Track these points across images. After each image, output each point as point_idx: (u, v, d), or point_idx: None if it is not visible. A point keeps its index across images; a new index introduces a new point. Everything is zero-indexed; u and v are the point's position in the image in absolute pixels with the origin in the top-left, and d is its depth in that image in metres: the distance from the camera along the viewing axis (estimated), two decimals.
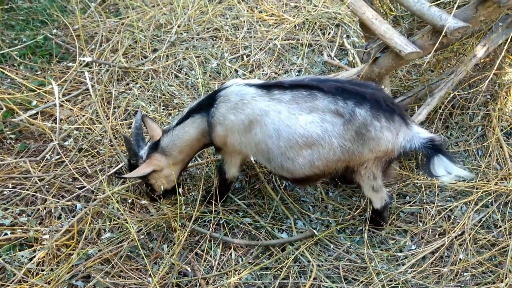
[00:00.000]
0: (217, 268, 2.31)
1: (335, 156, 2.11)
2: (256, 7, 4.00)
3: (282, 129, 2.09)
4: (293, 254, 2.35)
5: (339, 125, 2.04)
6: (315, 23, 3.87)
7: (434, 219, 2.53)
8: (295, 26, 3.85)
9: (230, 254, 2.38)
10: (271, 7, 3.99)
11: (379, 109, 2.04)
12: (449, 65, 3.31)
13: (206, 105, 2.24)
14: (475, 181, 2.70)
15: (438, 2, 2.44)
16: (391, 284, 2.22)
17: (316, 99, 2.06)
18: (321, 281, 2.25)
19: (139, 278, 2.21)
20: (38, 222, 2.44)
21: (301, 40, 3.73)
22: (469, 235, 2.41)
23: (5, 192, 2.54)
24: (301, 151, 2.11)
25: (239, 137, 2.20)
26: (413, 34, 2.49)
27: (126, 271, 2.23)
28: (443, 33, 2.10)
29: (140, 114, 2.43)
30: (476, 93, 3.14)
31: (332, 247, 2.43)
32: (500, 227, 2.47)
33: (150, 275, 2.20)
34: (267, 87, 2.16)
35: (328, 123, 2.05)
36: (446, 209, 2.58)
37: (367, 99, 2.04)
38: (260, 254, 2.38)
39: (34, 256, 2.24)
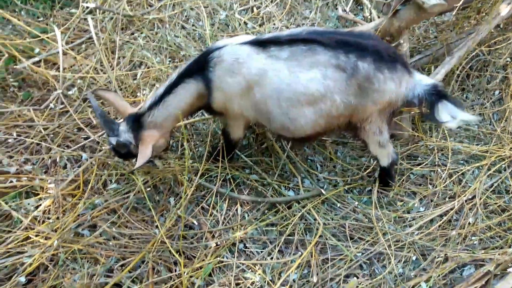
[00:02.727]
0: (223, 222, 2.30)
1: (337, 112, 2.04)
2: None
3: (283, 88, 1.99)
4: (299, 212, 2.34)
5: (341, 80, 1.96)
6: None
7: (444, 182, 2.49)
8: None
9: (236, 210, 2.36)
10: None
11: (381, 61, 1.96)
12: (469, 24, 3.16)
13: (198, 69, 2.07)
14: (489, 146, 2.63)
15: None
16: (397, 244, 2.22)
17: (317, 54, 1.95)
18: (326, 239, 2.25)
19: (146, 229, 2.21)
20: (43, 171, 2.42)
21: None
22: (480, 199, 2.38)
23: (10, 140, 2.50)
24: (303, 110, 2.03)
25: (238, 100, 2.09)
26: None
27: (133, 222, 2.23)
28: None
29: (92, 97, 2.08)
30: (495, 55, 3.01)
31: (339, 206, 2.41)
32: None
33: (156, 226, 2.19)
34: (262, 44, 2.01)
35: (330, 79, 1.95)
36: (458, 172, 2.53)
37: (369, 51, 1.95)
38: (266, 211, 2.37)
39: (40, 204, 2.23)
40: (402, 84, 2.03)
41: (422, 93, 2.07)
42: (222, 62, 2.02)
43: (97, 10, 3.23)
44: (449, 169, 2.54)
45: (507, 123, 2.74)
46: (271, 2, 3.48)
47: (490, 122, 2.80)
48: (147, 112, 2.12)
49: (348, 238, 2.26)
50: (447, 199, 2.44)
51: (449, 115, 2.07)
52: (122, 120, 2.18)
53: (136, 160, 2.10)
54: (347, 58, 1.94)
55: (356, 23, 3.27)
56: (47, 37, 2.94)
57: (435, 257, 2.15)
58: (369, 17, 3.35)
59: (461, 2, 2.16)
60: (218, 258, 2.11)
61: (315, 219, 2.31)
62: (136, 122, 2.11)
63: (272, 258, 2.17)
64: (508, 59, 3.01)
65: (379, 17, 3.13)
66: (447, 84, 2.91)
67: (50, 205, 2.22)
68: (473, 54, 2.91)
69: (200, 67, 2.06)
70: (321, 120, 2.06)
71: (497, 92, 2.94)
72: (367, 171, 2.55)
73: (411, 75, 2.07)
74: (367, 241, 2.25)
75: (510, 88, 2.85)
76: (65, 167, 2.44)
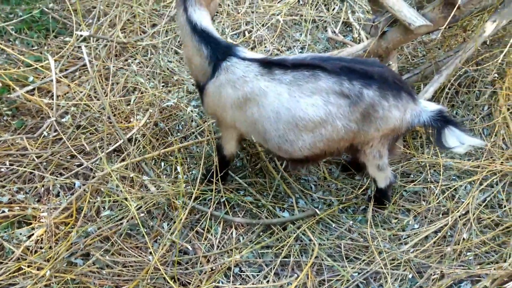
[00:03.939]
0: (218, 246, 2.29)
1: (338, 137, 2.06)
2: None
3: (282, 112, 2.02)
4: (294, 233, 2.33)
5: (344, 106, 1.98)
6: None
7: (438, 199, 2.50)
8: (298, 1, 3.73)
9: (231, 233, 2.35)
10: None
11: (387, 88, 1.99)
12: (456, 42, 3.22)
13: (218, 55, 2.07)
14: (480, 161, 2.65)
15: None
16: (393, 263, 2.21)
17: (319, 80, 1.98)
18: (322, 260, 2.24)
19: (139, 256, 2.19)
20: (36, 199, 2.41)
21: (305, 16, 3.62)
22: (473, 214, 2.38)
23: (2, 170, 2.50)
24: (301, 134, 2.05)
25: (231, 110, 2.12)
26: (423, 7, 2.40)
27: (126, 249, 2.21)
28: (456, 5, 2.01)
29: None
30: (483, 71, 3.06)
31: (334, 226, 2.40)
32: (505, 207, 2.44)
33: (150, 253, 2.18)
34: (269, 65, 2.06)
35: (332, 105, 1.98)
36: (450, 188, 2.54)
37: (375, 78, 1.97)
38: (261, 233, 2.36)
39: (33, 234, 2.21)
40: (407, 112, 2.05)
41: (428, 120, 2.09)
42: (231, 72, 2.06)
43: (91, 38, 3.29)
44: (441, 185, 2.55)
45: (497, 137, 2.76)
46: (262, 26, 3.55)
47: (481, 137, 2.83)
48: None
49: (344, 258, 2.25)
50: (441, 215, 2.44)
51: (457, 140, 2.08)
52: None
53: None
54: (351, 85, 1.96)
55: (345, 44, 3.34)
56: (41, 66, 2.98)
57: (431, 274, 2.14)
58: (358, 38, 3.42)
59: (445, 24, 2.22)
60: (214, 284, 2.10)
61: (310, 240, 2.31)
62: None
63: (268, 282, 2.15)
64: (496, 74, 3.06)
65: (367, 38, 3.20)
66: (436, 101, 2.95)
67: (42, 234, 2.21)
68: (461, 71, 2.96)
69: (219, 57, 2.07)
70: (320, 144, 2.08)
71: (486, 107, 2.98)
72: (362, 189, 2.56)
73: (416, 102, 2.09)
74: (363, 260, 2.24)
75: (499, 103, 2.89)
76: (58, 195, 2.44)
